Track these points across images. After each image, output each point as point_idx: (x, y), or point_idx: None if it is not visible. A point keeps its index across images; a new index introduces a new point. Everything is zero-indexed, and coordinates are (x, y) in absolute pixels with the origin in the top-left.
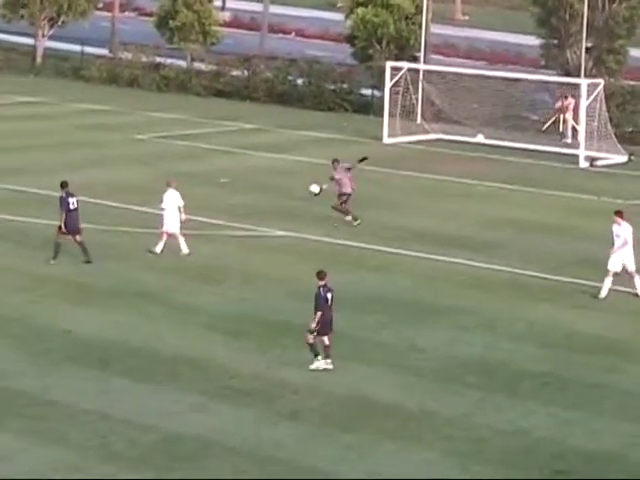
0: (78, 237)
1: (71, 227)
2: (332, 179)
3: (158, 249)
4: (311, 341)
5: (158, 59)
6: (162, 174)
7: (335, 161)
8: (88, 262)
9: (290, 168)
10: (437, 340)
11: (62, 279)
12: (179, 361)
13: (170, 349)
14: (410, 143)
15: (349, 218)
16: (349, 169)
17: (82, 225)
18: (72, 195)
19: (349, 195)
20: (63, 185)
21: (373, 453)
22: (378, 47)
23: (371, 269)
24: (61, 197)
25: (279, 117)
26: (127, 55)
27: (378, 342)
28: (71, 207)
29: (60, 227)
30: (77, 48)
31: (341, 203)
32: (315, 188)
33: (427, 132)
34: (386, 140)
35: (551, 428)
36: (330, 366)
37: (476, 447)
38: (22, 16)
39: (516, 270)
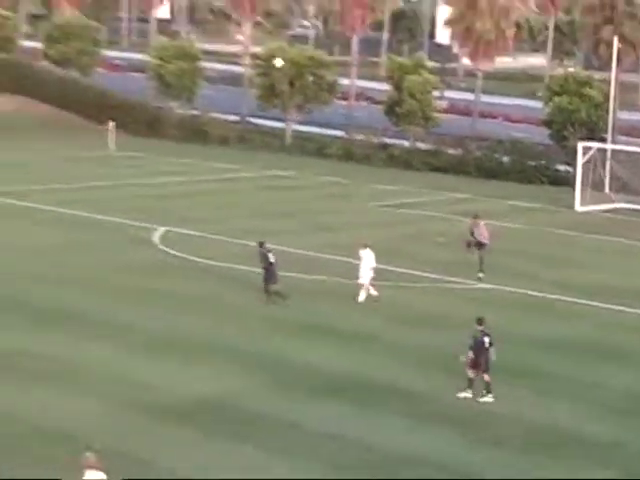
0: (276, 286)
1: (271, 278)
2: (472, 234)
3: (361, 298)
4: (488, 379)
5: (386, 140)
6: (384, 237)
7: (476, 217)
8: (286, 305)
9: (497, 232)
10: (626, 379)
11: (295, 321)
12: (396, 390)
13: (395, 380)
14: (599, 211)
15: (480, 274)
16: (483, 226)
17: (324, 277)
18: (269, 251)
19: (483, 245)
20: (261, 244)
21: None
22: (572, 130)
23: (562, 317)
24: (262, 253)
25: (487, 189)
26: (360, 136)
27: (574, 379)
28: (271, 261)
29: (266, 278)
30: (319, 130)
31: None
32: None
33: (614, 202)
34: (578, 208)
35: None
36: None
37: None
38: (275, 105)
39: None
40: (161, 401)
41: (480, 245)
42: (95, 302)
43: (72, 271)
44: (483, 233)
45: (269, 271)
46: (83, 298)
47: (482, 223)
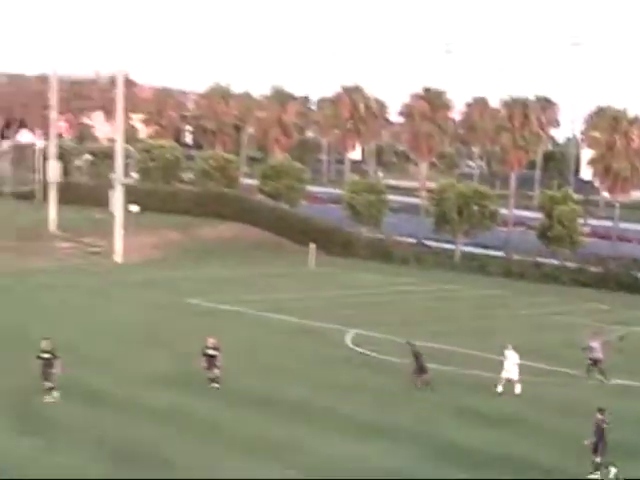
0: (426, 377)
1: (420, 370)
2: (588, 350)
3: (499, 389)
4: (598, 461)
5: (539, 259)
6: (535, 340)
7: (595, 334)
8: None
9: (634, 336)
10: None
11: (453, 407)
12: (539, 467)
13: (540, 459)
14: None
15: (600, 377)
16: (605, 341)
17: (479, 371)
18: (418, 348)
19: (598, 361)
20: (409, 343)
21: None
22: None
23: None
24: (412, 350)
25: (625, 301)
26: (517, 256)
27: None
28: (419, 357)
29: (418, 370)
30: (483, 251)
31: (595, 366)
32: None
33: None
34: None
35: None
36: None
37: None
38: (446, 230)
39: None
40: (344, 472)
41: (596, 361)
42: (295, 391)
43: (278, 365)
44: (599, 349)
45: (418, 364)
46: (285, 387)
47: (600, 340)
